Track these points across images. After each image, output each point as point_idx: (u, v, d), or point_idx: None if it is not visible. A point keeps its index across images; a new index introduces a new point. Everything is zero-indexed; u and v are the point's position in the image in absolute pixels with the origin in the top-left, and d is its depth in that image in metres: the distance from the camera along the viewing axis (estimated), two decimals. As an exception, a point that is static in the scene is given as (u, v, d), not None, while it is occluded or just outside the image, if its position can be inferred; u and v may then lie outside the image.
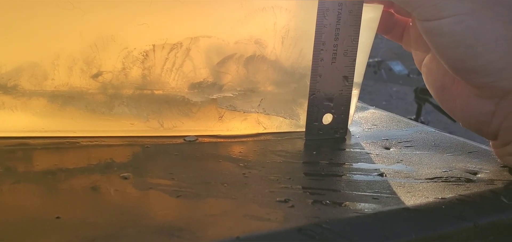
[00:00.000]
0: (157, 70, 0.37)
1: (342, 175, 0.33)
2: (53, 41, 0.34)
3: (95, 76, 0.36)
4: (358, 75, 0.43)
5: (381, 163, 0.36)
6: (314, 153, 0.37)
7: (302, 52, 0.40)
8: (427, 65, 0.40)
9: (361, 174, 0.33)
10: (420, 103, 2.38)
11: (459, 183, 0.32)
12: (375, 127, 0.45)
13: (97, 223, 0.24)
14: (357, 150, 0.38)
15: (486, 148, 0.40)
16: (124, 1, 0.34)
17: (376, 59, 2.32)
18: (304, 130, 0.42)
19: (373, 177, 0.32)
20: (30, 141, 0.35)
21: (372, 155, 0.37)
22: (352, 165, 0.35)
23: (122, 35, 0.35)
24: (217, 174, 0.32)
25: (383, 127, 0.46)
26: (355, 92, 0.43)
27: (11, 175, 0.30)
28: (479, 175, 0.34)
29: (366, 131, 0.44)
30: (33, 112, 0.35)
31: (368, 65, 2.37)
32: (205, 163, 0.34)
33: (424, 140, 0.42)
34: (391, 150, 0.39)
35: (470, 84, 0.34)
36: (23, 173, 0.30)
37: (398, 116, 0.49)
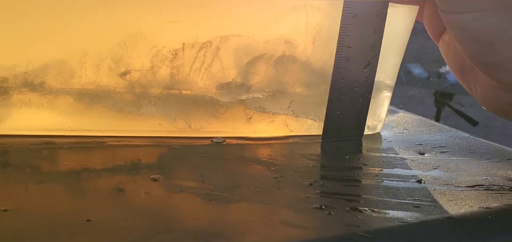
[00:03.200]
0: (185, 70, 0.36)
1: (379, 181, 0.31)
2: (81, 38, 0.34)
3: (123, 74, 0.35)
4: (392, 77, 0.42)
5: (418, 169, 0.34)
6: (347, 157, 0.36)
7: (333, 53, 0.39)
8: (445, 42, 0.40)
9: (398, 180, 0.31)
10: (439, 107, 2.34)
11: (503, 192, 0.30)
12: (406, 130, 0.44)
13: (128, 227, 0.23)
14: (391, 155, 0.37)
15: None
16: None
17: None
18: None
19: (411, 184, 0.31)
20: (56, 140, 0.34)
21: (407, 160, 0.36)
22: (387, 170, 0.34)
23: (152, 33, 0.34)
24: (248, 177, 0.31)
25: (415, 131, 0.44)
26: (387, 95, 0.42)
27: (37, 174, 0.29)
28: (522, 184, 0.32)
29: (398, 135, 0.43)
30: (59, 110, 0.34)
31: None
32: (235, 166, 0.33)
33: (459, 145, 0.40)
34: (426, 155, 0.38)
35: (489, 77, 0.34)
36: (48, 172, 0.29)
37: (429, 121, 0.47)
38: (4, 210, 0.24)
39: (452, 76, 2.19)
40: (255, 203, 0.27)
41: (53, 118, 0.34)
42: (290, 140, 0.40)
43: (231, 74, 0.37)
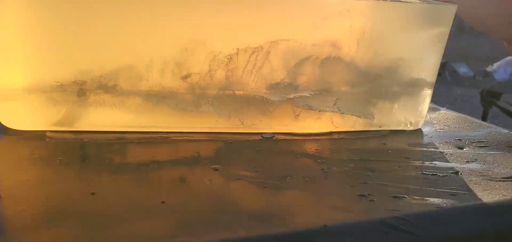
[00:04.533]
0: (239, 72, 0.39)
1: (419, 173, 0.34)
2: (148, 45, 0.38)
3: (185, 77, 0.39)
4: (432, 75, 0.44)
5: (455, 162, 0.36)
6: (390, 151, 0.39)
7: (377, 53, 0.42)
8: None
9: (437, 172, 0.34)
10: (486, 107, 2.29)
11: (537, 183, 0.32)
12: (447, 127, 0.46)
13: (196, 209, 0.27)
14: (431, 149, 0.39)
15: None
16: (214, 9, 0.37)
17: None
18: (378, 129, 0.43)
19: (449, 175, 0.34)
20: (126, 136, 0.39)
21: (446, 154, 0.38)
22: (427, 163, 0.36)
23: (210, 40, 0.38)
24: (297, 169, 0.34)
25: (455, 127, 0.46)
26: (428, 92, 0.44)
27: (110, 166, 0.33)
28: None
29: (439, 131, 0.45)
30: (130, 109, 0.39)
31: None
32: (284, 158, 0.36)
33: (498, 140, 0.42)
34: (464, 149, 0.40)
35: None
36: (120, 164, 0.34)
37: (470, 118, 0.49)
38: (92, 193, 0.28)
39: (500, 75, 2.14)
40: (304, 191, 0.30)
41: (124, 116, 0.39)
42: (336, 136, 0.43)
43: (280, 75, 0.40)
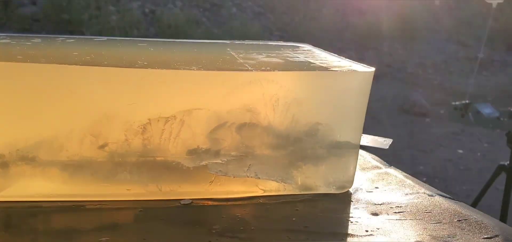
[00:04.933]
0: (156, 140, 0.41)
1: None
2: (67, 118, 0.40)
3: (102, 147, 0.41)
4: (355, 138, 0.44)
5: (358, 232, 0.36)
6: (294, 218, 0.39)
7: (295, 118, 0.42)
8: None
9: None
10: (515, 148, 2.19)
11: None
12: (379, 189, 0.45)
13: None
14: (344, 215, 0.39)
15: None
16: (118, 84, 0.39)
17: (463, 102, 2.20)
18: (303, 192, 0.44)
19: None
20: (47, 205, 0.41)
21: (355, 222, 0.38)
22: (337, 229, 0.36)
23: (122, 112, 0.39)
24: None
25: (389, 190, 0.45)
26: (354, 155, 0.44)
27: (32, 233, 0.35)
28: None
29: (368, 193, 0.44)
30: (50, 179, 0.41)
31: (455, 108, 2.25)
32: (192, 230, 0.37)
33: (418, 206, 0.41)
34: (379, 216, 0.39)
35: None
36: (42, 232, 0.36)
37: (409, 180, 0.48)
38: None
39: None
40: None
41: (45, 186, 0.41)
42: (261, 200, 0.43)
43: (197, 141, 0.42)
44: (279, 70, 0.41)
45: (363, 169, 0.50)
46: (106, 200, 0.41)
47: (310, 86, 0.42)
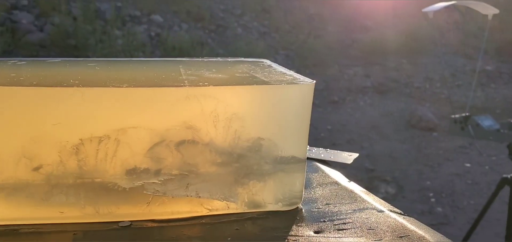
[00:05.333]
0: (91, 161, 0.40)
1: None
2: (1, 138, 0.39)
3: (36, 169, 0.40)
4: (301, 152, 0.43)
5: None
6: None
7: (237, 133, 0.41)
8: None
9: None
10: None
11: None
12: (326, 206, 0.44)
13: None
14: (287, 234, 0.38)
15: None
16: (41, 105, 0.38)
17: (463, 114, 2.15)
18: (252, 210, 0.42)
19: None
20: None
21: (297, 240, 0.36)
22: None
23: (49, 133, 0.38)
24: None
25: (337, 205, 0.44)
26: (300, 170, 0.43)
27: None
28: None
29: (316, 210, 0.43)
30: (-17, 203, 0.40)
31: (454, 121, 2.21)
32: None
33: (364, 222, 0.40)
34: (320, 234, 0.38)
35: None
36: None
37: (360, 192, 0.46)
38: None
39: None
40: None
41: (-22, 210, 0.40)
42: (204, 220, 0.41)
43: (136, 161, 0.40)
44: (214, 85, 0.40)
45: (321, 184, 0.49)
46: (42, 223, 0.40)
47: (249, 101, 0.41)
